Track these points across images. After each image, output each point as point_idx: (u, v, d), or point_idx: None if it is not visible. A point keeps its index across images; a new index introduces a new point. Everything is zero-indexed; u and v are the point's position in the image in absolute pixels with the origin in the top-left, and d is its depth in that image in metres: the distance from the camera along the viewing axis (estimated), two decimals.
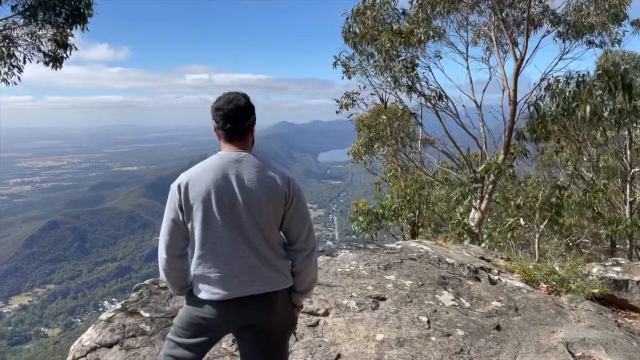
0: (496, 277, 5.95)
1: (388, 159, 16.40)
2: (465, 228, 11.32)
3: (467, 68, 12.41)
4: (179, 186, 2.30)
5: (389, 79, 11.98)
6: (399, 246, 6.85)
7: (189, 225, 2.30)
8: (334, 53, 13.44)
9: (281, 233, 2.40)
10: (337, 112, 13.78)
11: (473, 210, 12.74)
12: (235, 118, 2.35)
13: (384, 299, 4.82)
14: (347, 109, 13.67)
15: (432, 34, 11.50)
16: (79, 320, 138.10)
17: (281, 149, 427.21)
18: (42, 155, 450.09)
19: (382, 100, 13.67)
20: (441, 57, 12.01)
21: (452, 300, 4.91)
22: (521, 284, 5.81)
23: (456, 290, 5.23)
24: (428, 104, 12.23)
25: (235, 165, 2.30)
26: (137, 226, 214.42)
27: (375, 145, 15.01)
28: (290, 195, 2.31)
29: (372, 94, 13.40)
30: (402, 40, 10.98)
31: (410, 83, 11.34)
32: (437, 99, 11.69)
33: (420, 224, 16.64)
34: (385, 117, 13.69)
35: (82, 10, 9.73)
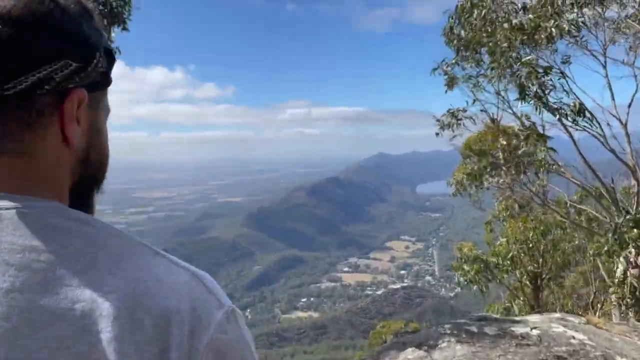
0: None
1: (502, 192, 13.64)
2: (635, 294, 8.54)
3: (607, 76, 9.32)
4: None
5: (507, 89, 9.68)
6: (534, 331, 4.66)
7: None
8: (430, 77, 11.37)
9: None
10: (437, 134, 11.41)
11: (621, 265, 9.64)
12: None
13: None
14: (452, 130, 11.21)
15: (567, 28, 8.44)
16: None
17: (378, 180, 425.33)
18: (155, 186, 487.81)
19: (492, 119, 11.08)
20: (570, 62, 9.19)
21: None
22: None
23: None
24: (565, 120, 9.22)
25: None
26: (238, 255, 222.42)
27: (486, 175, 12.00)
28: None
29: (481, 110, 10.83)
30: (525, 38, 8.42)
31: (541, 92, 8.61)
32: (576, 114, 8.78)
33: (545, 277, 13.80)
34: (504, 142, 10.56)
35: (117, 9, 8.98)
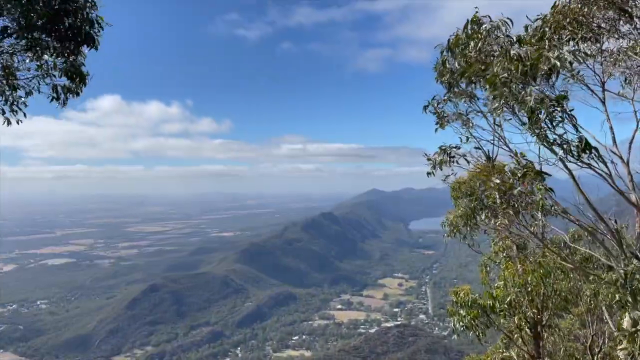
0: None
1: (498, 233, 12.96)
2: None
3: (606, 111, 8.99)
4: None
5: (505, 121, 9.06)
6: None
7: None
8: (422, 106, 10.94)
9: None
10: (428, 174, 10.75)
11: (628, 318, 8.92)
12: None
13: None
14: (441, 169, 10.59)
15: (569, 59, 7.90)
16: None
17: (372, 216, 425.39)
18: (149, 220, 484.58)
19: (487, 156, 10.23)
20: (568, 99, 8.58)
21: None
22: None
23: None
24: (567, 157, 8.45)
25: None
26: (230, 291, 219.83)
27: (482, 217, 11.36)
28: None
29: (476, 147, 10.16)
30: (525, 69, 7.83)
31: (549, 124, 7.89)
32: (581, 150, 8.07)
33: (546, 323, 13.18)
34: (498, 181, 9.62)
35: (85, 28, 8.44)
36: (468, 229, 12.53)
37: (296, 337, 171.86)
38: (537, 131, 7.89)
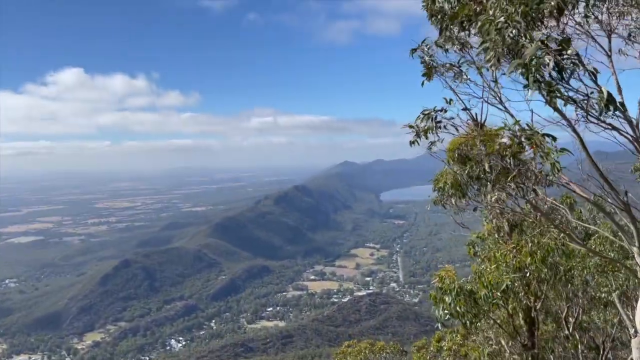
0: None
1: (492, 210, 11.18)
2: None
3: (612, 65, 6.97)
4: None
5: (504, 76, 6.97)
6: None
7: None
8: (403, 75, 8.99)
9: None
10: (412, 143, 9.34)
11: None
12: None
13: None
14: (426, 137, 9.10)
15: None
16: (147, 359, 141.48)
17: (344, 188, 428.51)
18: (118, 196, 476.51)
19: (474, 119, 9.05)
20: (571, 49, 6.75)
21: None
22: None
23: None
24: (583, 116, 6.84)
25: None
26: (204, 265, 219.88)
27: (486, 187, 9.23)
28: None
29: (463, 109, 8.84)
30: (528, 9, 6.23)
31: (557, 76, 6.22)
32: (605, 106, 6.26)
33: (542, 311, 11.74)
34: (505, 140, 8.00)
35: None
36: (459, 200, 10.37)
37: (270, 309, 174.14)
38: (543, 86, 6.19)
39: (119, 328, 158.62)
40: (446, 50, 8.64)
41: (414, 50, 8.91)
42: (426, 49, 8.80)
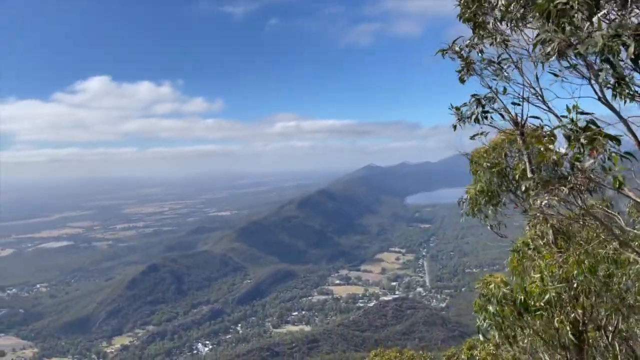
0: None
1: (536, 215, 10.08)
2: None
3: None
4: None
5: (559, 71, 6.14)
6: None
7: None
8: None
9: None
10: (455, 127, 8.73)
11: None
12: None
13: None
14: (479, 122, 8.36)
15: None
16: None
17: (368, 192, 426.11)
18: (146, 202, 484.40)
19: (514, 119, 8.52)
20: None
21: None
22: None
23: None
24: None
25: None
26: (229, 270, 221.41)
27: (532, 192, 8.26)
28: None
29: (513, 103, 8.35)
30: None
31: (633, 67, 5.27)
32: None
33: (593, 326, 10.94)
34: (564, 151, 6.51)
35: None
36: (491, 207, 10.07)
37: (295, 313, 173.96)
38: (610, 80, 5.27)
39: (147, 332, 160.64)
40: (481, 51, 8.28)
41: (443, 51, 8.54)
42: (457, 48, 8.44)
